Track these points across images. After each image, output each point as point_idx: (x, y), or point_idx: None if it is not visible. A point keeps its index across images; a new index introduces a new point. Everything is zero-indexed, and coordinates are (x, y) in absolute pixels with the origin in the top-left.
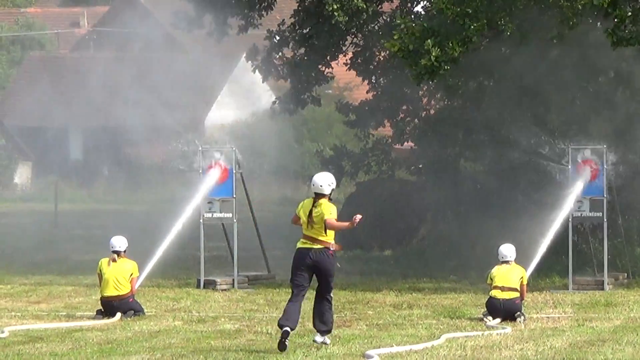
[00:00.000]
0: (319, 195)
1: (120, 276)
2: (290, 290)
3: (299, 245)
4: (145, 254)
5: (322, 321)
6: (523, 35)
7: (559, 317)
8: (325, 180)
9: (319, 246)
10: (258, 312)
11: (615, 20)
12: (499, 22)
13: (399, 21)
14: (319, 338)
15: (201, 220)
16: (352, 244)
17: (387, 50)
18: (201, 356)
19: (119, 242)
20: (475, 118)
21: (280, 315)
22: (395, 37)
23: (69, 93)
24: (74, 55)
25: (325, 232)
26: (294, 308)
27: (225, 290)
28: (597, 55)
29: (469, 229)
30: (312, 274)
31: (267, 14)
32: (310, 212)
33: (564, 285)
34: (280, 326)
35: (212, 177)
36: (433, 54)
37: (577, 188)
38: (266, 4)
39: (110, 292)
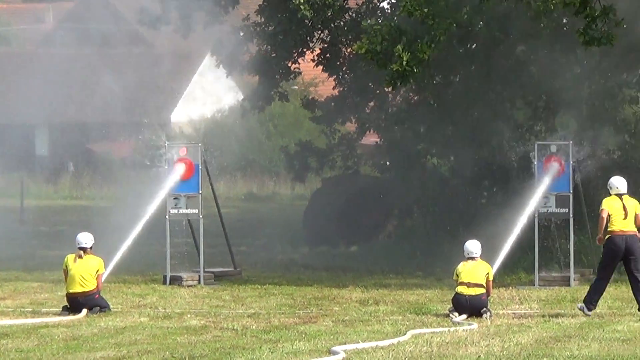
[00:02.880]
0: None
1: (86, 273)
2: (254, 286)
3: None
4: (111, 250)
5: None
6: (492, 33)
7: (525, 313)
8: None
9: None
10: (224, 309)
11: (586, 19)
12: (470, 21)
13: (364, 24)
14: None
15: (167, 216)
16: (318, 239)
17: (354, 47)
18: (167, 352)
19: (85, 239)
20: (441, 113)
21: None
22: (363, 40)
23: (34, 89)
24: (39, 51)
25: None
26: None
27: (191, 286)
28: (565, 53)
29: (435, 225)
30: None
31: (232, 9)
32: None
33: (530, 281)
34: None
35: (177, 172)
36: (404, 58)
37: (543, 184)
38: None
39: (76, 288)
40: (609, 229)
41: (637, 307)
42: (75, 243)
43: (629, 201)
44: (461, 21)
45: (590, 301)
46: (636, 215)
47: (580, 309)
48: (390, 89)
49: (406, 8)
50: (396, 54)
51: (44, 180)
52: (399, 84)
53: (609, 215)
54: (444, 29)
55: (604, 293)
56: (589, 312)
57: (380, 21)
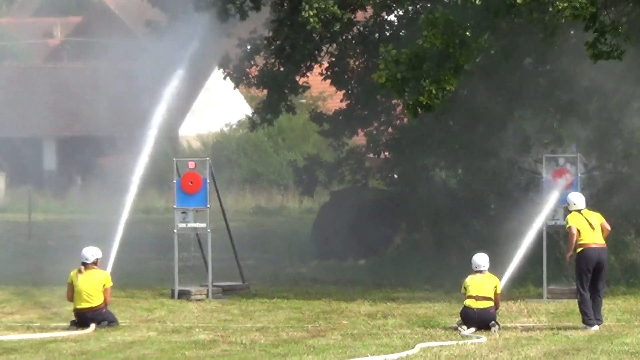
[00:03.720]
0: None
1: (92, 288)
2: (262, 300)
3: None
4: (122, 264)
5: None
6: (506, 53)
7: (533, 326)
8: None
9: None
10: (232, 323)
11: (595, 33)
12: (486, 45)
13: (382, 50)
14: None
15: (175, 230)
16: (327, 253)
17: (373, 76)
18: None
19: (88, 253)
20: (449, 127)
21: None
22: (381, 67)
23: (42, 103)
24: (47, 65)
25: None
26: None
27: (199, 300)
28: (574, 66)
29: (443, 238)
30: None
31: (241, 21)
32: None
33: (539, 294)
34: None
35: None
36: (432, 90)
37: (552, 197)
38: (239, 14)
39: (83, 304)
40: (580, 244)
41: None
42: (80, 257)
43: (592, 215)
44: (481, 47)
45: (590, 319)
46: (602, 225)
47: (585, 329)
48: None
49: (428, 39)
50: (422, 85)
51: (52, 194)
52: (422, 111)
53: (578, 231)
54: (468, 57)
55: (613, 306)
56: (597, 327)
57: (395, 48)
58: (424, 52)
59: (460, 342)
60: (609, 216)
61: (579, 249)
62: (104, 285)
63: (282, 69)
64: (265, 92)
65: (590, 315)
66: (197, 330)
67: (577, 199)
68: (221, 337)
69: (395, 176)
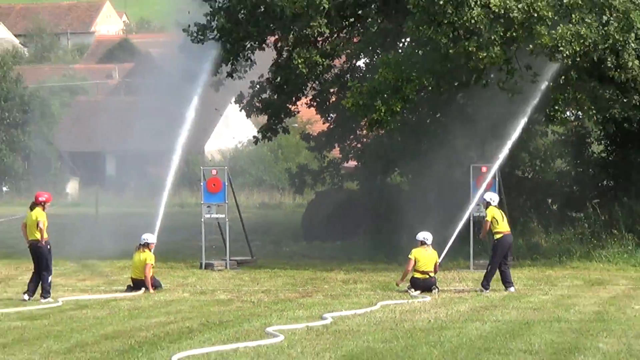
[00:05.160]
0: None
1: (140, 265)
2: (266, 270)
3: None
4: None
5: None
6: (440, 87)
7: (462, 289)
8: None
9: None
10: (244, 286)
11: (507, 74)
12: (425, 82)
13: (350, 84)
14: None
15: (202, 220)
16: (312, 236)
17: (342, 102)
18: (203, 318)
19: (146, 237)
20: (401, 144)
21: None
22: (349, 96)
23: (105, 127)
24: (108, 99)
25: None
26: None
27: (220, 270)
28: (493, 99)
29: (397, 225)
30: None
31: (249, 69)
32: None
33: (467, 266)
34: None
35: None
36: (383, 111)
37: (477, 195)
38: (249, 63)
39: (135, 274)
40: (497, 232)
41: (504, 287)
42: (140, 240)
43: (497, 211)
44: (422, 82)
45: (488, 284)
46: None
47: (480, 291)
48: (369, 132)
49: (382, 75)
50: (376, 107)
51: (112, 193)
52: (376, 127)
53: (495, 221)
54: (412, 89)
55: (520, 275)
56: (488, 292)
57: (360, 83)
58: (379, 85)
59: (410, 301)
60: (519, 210)
61: (498, 236)
62: (146, 262)
63: (278, 99)
64: (266, 117)
65: (489, 284)
66: (218, 292)
67: (494, 197)
68: (236, 297)
69: (362, 180)
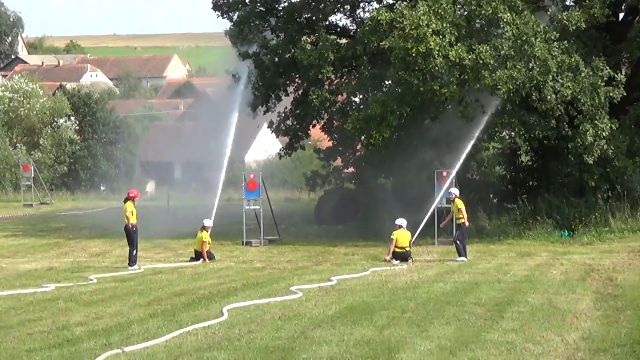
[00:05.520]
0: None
1: (199, 241)
2: (289, 246)
3: None
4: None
5: None
6: (413, 116)
7: (430, 260)
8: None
9: None
10: (273, 258)
11: (462, 107)
12: (404, 113)
13: (350, 113)
14: None
15: (243, 210)
16: (322, 221)
17: (345, 126)
18: (245, 280)
19: (205, 222)
20: (386, 155)
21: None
22: (349, 122)
23: (173, 144)
24: (175, 124)
25: None
26: None
27: (256, 246)
28: (451, 123)
29: (383, 214)
30: None
31: (277, 103)
32: None
33: (433, 242)
34: None
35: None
36: (376, 137)
37: (440, 193)
38: (277, 100)
39: (196, 247)
40: (462, 218)
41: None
42: (201, 223)
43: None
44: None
45: (462, 255)
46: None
47: (461, 261)
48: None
49: (373, 109)
50: (371, 133)
51: (179, 191)
52: (371, 146)
53: (459, 210)
54: (395, 119)
55: (471, 249)
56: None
57: (357, 113)
58: (371, 116)
59: (392, 268)
60: (469, 203)
61: (463, 222)
62: (203, 240)
63: (298, 125)
64: (287, 138)
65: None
66: (255, 261)
67: (456, 191)
68: (267, 265)
69: (356, 181)
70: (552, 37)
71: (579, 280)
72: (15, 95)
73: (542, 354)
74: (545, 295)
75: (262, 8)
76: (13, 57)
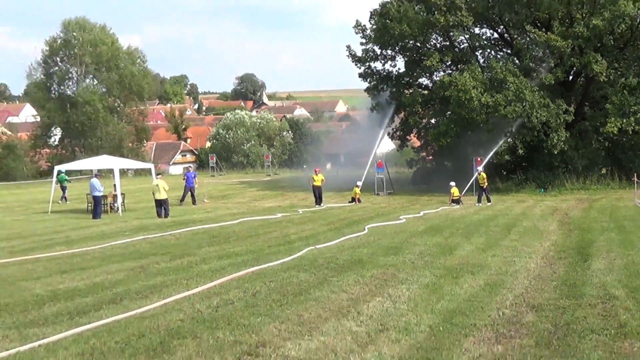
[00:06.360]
0: None
1: (355, 192)
2: (400, 196)
3: None
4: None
5: None
6: (461, 131)
7: (470, 205)
8: None
9: None
10: (390, 202)
11: (488, 127)
12: (457, 129)
13: (430, 129)
14: None
15: (375, 177)
16: (415, 183)
17: (425, 134)
18: (375, 212)
19: (358, 183)
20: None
21: None
22: (430, 134)
23: (340, 144)
24: (343, 136)
25: None
26: None
27: (381, 196)
28: (482, 134)
29: (445, 181)
30: None
31: (392, 123)
32: None
33: (472, 195)
34: None
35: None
36: (442, 141)
37: (476, 170)
38: (391, 122)
39: (352, 195)
40: (485, 183)
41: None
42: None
43: (484, 174)
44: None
45: (489, 200)
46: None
47: (482, 205)
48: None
49: (441, 127)
50: (439, 141)
51: (344, 169)
52: (440, 146)
53: (483, 177)
54: (452, 132)
55: (493, 198)
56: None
57: (433, 130)
58: (440, 131)
59: (450, 207)
60: (492, 174)
61: (484, 185)
62: (356, 192)
63: (403, 135)
64: (399, 141)
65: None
66: (381, 204)
67: (481, 169)
68: (387, 205)
69: (434, 163)
70: (535, 89)
71: (549, 214)
72: (262, 120)
73: (530, 253)
74: (532, 222)
75: (383, 75)
76: (260, 102)
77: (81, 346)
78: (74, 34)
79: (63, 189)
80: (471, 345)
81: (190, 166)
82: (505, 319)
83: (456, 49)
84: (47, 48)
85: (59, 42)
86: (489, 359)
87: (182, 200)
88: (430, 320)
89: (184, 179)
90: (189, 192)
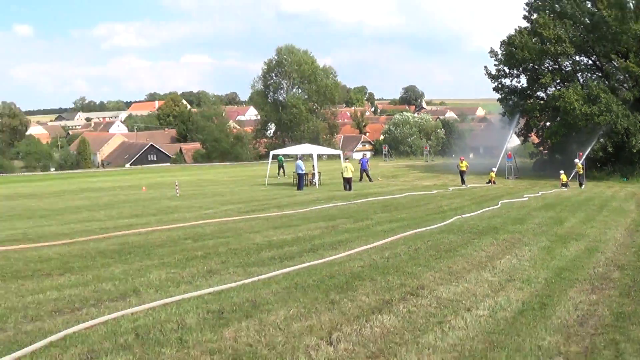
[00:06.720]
0: None
1: (491, 176)
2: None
3: None
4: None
5: None
6: (568, 132)
7: (575, 187)
8: None
9: None
10: (517, 184)
11: (588, 129)
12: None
13: (545, 130)
14: None
15: (506, 165)
16: (535, 170)
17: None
18: (505, 192)
19: (493, 169)
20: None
21: None
22: (545, 134)
23: (479, 139)
24: (479, 132)
25: None
26: None
27: (511, 179)
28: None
29: (557, 169)
30: None
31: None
32: None
33: (575, 181)
34: None
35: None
36: (554, 138)
37: (578, 161)
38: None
39: (489, 178)
40: (581, 171)
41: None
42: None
43: (581, 165)
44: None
45: (584, 185)
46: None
47: (582, 188)
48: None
49: (553, 128)
50: (553, 137)
51: (481, 157)
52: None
53: (581, 168)
54: (561, 132)
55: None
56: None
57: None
58: (553, 131)
59: (562, 189)
60: (590, 166)
61: (582, 172)
62: (491, 176)
63: (526, 133)
64: (522, 138)
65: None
66: (510, 185)
67: (577, 160)
68: (515, 187)
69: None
70: (619, 103)
71: (630, 197)
72: (421, 120)
73: (617, 226)
74: (618, 203)
75: (511, 89)
76: (420, 107)
77: (288, 282)
78: (285, 56)
79: (282, 167)
80: (574, 294)
81: (365, 153)
82: (598, 275)
83: (563, 71)
84: (266, 67)
85: (273, 62)
86: (587, 304)
87: (360, 179)
88: (545, 274)
89: (359, 164)
90: (364, 173)
